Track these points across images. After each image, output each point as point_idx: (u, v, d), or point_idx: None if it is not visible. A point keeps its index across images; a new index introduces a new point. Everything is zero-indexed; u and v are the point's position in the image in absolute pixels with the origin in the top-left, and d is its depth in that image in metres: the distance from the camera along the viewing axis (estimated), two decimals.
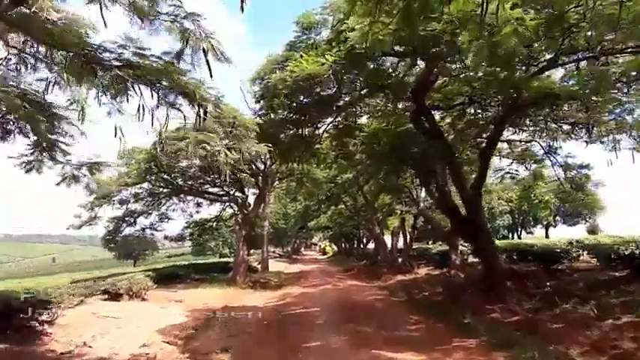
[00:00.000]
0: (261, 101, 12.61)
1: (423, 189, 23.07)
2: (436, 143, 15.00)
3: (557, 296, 12.77)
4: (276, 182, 34.34)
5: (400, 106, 16.02)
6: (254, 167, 28.49)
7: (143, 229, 32.57)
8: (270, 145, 17.05)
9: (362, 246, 58.13)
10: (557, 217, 70.84)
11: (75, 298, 14.47)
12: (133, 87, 8.53)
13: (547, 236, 62.74)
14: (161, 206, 32.28)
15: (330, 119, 17.05)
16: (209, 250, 68.17)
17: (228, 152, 22.96)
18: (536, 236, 64.58)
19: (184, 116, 9.78)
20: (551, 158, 19.71)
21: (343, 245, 71.56)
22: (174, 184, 29.16)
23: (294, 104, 13.84)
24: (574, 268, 16.28)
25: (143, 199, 30.44)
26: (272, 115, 14.39)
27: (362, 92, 15.39)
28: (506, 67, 13.44)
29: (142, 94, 9.44)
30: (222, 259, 41.16)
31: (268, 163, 28.90)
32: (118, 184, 26.03)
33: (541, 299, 13.43)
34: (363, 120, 18.55)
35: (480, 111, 16.14)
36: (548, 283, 14.74)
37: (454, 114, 16.33)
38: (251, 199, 30.71)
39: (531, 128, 19.25)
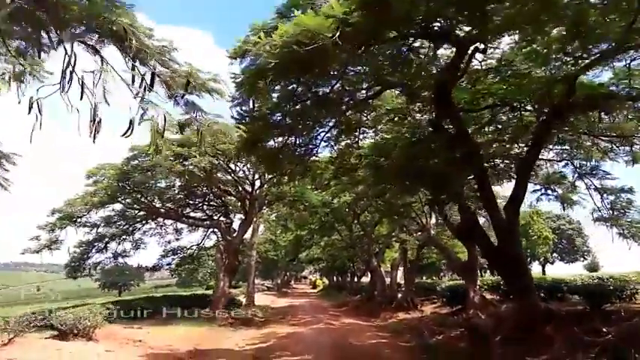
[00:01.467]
0: (242, 87, 9.69)
1: (433, 213, 20.11)
2: (462, 152, 12.12)
3: (629, 346, 9.69)
4: (265, 208, 31.29)
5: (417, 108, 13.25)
6: (241, 189, 25.42)
7: (115, 256, 29.00)
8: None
9: (356, 280, 54.58)
10: (554, 254, 68.36)
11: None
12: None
13: (544, 273, 59.91)
14: (136, 231, 28.99)
15: (331, 123, 14.21)
16: (195, 282, 64.47)
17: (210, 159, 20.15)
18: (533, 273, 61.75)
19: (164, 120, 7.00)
20: (587, 181, 16.93)
21: (335, 279, 67.78)
22: (150, 207, 25.98)
23: (287, 92, 10.96)
24: (631, 310, 13.17)
25: (115, 222, 27.19)
26: (255, 107, 11.44)
27: (371, 88, 12.64)
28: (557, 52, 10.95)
29: (72, 53, 6.58)
30: (202, 292, 37.51)
31: (257, 184, 25.93)
32: (84, 203, 22.78)
33: (604, 351, 10.32)
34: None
35: (512, 117, 13.40)
36: (605, 329, 11.62)
37: (483, 120, 13.55)
38: (237, 225, 27.57)
39: (560, 146, 16.60)
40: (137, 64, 6.23)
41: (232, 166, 24.93)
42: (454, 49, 11.33)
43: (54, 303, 26.60)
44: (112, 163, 23.06)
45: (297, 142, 14.37)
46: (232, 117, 11.48)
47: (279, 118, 12.92)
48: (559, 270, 67.94)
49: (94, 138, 6.80)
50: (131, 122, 6.80)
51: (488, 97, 12.76)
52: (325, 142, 15.07)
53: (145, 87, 6.25)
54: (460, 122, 11.63)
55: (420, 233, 27.79)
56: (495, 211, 12.47)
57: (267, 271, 71.68)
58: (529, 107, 12.98)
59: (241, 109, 11.32)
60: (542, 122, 12.03)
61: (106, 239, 27.84)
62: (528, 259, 68.99)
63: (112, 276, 68.66)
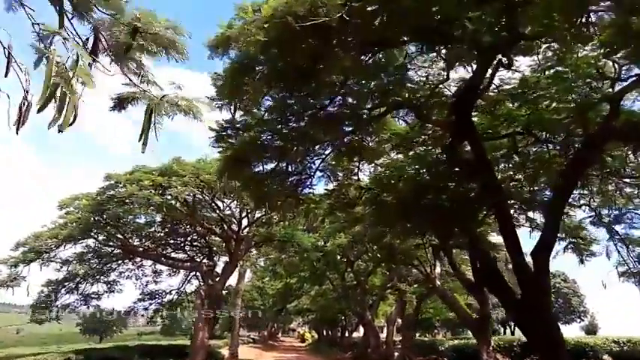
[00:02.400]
0: (223, 88, 7.99)
1: (437, 261, 18.07)
2: (482, 184, 10.34)
3: None
4: (253, 250, 29.09)
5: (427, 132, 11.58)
6: (226, 228, 23.33)
7: (85, 298, 26.39)
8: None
9: (347, 334, 51.46)
10: None
11: None
12: None
13: None
14: (110, 271, 26.58)
15: (328, 150, 12.49)
16: (178, 330, 60.92)
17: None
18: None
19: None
20: (613, 229, 15.17)
21: (325, 332, 64.23)
22: (127, 244, 23.77)
23: (278, 103, 9.28)
24: None
25: (88, 260, 24.85)
26: (238, 116, 9.73)
27: (375, 108, 11.03)
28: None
29: None
30: (183, 342, 34.50)
31: (244, 223, 23.86)
32: (53, 236, 20.59)
33: None
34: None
35: (536, 149, 11.75)
36: None
37: (500, 152, 11.87)
38: (221, 269, 25.22)
39: (579, 190, 14.90)
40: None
41: (218, 203, 23.07)
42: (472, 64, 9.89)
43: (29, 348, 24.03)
44: (88, 193, 21.02)
45: (289, 170, 12.62)
46: (211, 128, 9.73)
47: (268, 137, 11.26)
48: None
49: (18, 128, 4.94)
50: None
51: (508, 124, 11.18)
52: (321, 171, 13.31)
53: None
54: (481, 148, 9.90)
55: (416, 285, 25.70)
56: (520, 256, 10.54)
57: (253, 321, 68.09)
58: (554, 137, 11.37)
59: (224, 122, 9.58)
60: (579, 152, 10.30)
61: (78, 279, 25.40)
62: None
63: (92, 321, 64.93)
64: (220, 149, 10.44)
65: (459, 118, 9.83)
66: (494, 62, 9.42)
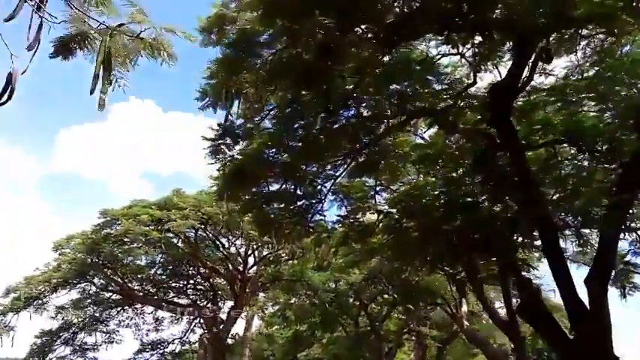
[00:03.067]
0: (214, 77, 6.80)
1: (464, 299, 16.24)
2: (521, 198, 8.89)
3: None
4: (260, 293, 27.32)
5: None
6: (231, 268, 21.72)
7: (83, 350, 24.49)
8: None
9: None
10: None
11: None
12: None
13: None
14: (109, 319, 24.86)
15: (341, 169, 11.17)
16: None
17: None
18: None
19: None
20: None
21: None
22: (126, 288, 22.19)
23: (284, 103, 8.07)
24: None
25: (84, 307, 23.22)
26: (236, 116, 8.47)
27: (393, 117, 9.82)
28: None
29: None
30: None
31: (250, 262, 22.27)
32: (42, 280, 19.10)
33: None
34: None
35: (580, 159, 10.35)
36: None
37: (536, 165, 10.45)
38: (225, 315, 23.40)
39: None
40: None
41: (222, 240, 21.62)
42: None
43: None
44: (83, 231, 19.64)
45: (297, 192, 11.28)
46: (205, 138, 8.48)
47: (272, 152, 10.03)
48: None
49: None
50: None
51: (545, 132, 9.85)
52: (333, 193, 11.92)
53: None
54: (523, 157, 8.52)
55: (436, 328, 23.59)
56: (571, 285, 8.92)
57: None
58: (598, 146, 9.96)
59: (220, 128, 8.32)
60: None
61: (74, 328, 23.68)
62: None
63: None
64: (218, 165, 9.14)
65: (497, 122, 8.51)
66: (533, 56, 8.25)
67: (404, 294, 17.89)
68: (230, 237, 20.82)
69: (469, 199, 10.13)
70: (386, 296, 29.33)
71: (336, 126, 9.77)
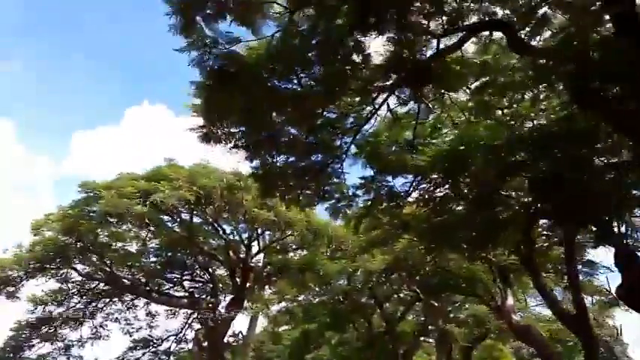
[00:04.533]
0: None
1: (509, 289, 13.38)
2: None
3: None
4: (266, 288, 24.65)
5: None
6: (232, 255, 18.96)
7: (66, 348, 21.85)
8: None
9: None
10: None
11: None
12: None
13: None
14: (97, 313, 22.22)
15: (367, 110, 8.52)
16: None
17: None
18: None
19: None
20: None
21: None
22: (113, 277, 19.56)
23: None
24: None
25: (68, 298, 20.64)
26: None
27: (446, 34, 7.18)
28: None
29: None
30: None
31: (254, 250, 19.52)
32: (12, 263, 16.52)
33: None
34: None
35: None
36: None
37: None
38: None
39: None
40: None
41: (225, 226, 18.96)
42: None
43: None
44: (61, 206, 16.95)
45: (309, 140, 8.64)
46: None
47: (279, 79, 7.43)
48: None
49: None
50: None
51: None
52: (357, 147, 9.23)
53: None
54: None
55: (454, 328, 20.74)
56: None
57: None
58: None
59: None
60: None
61: (57, 322, 21.05)
62: None
63: None
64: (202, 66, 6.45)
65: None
66: None
67: (437, 284, 15.04)
68: (230, 218, 18.06)
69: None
70: (402, 295, 26.69)
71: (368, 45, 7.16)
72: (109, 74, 76.35)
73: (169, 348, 23.83)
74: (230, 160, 16.99)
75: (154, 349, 23.66)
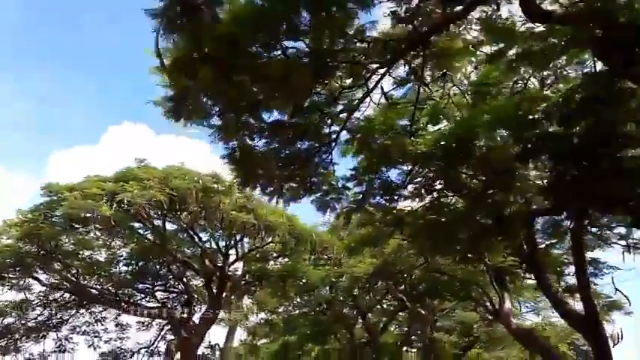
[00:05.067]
0: None
1: (506, 293, 12.48)
2: None
3: None
4: (245, 299, 23.45)
5: None
6: (207, 263, 17.70)
7: None
8: None
9: None
10: None
11: None
12: None
13: None
14: (62, 325, 20.67)
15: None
16: None
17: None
18: None
19: None
20: None
21: None
22: (79, 286, 18.14)
23: None
24: None
25: (30, 308, 19.09)
26: None
27: None
28: None
29: None
30: None
31: (232, 257, 18.30)
32: None
33: None
34: None
35: None
36: None
37: None
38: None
39: None
40: None
41: (201, 234, 17.74)
42: None
43: None
44: (20, 212, 15.47)
45: (296, 123, 7.69)
46: None
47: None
48: None
49: None
50: None
51: None
52: (350, 132, 8.31)
53: None
54: None
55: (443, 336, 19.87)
56: None
57: None
58: None
59: None
60: None
61: (17, 335, 19.45)
62: None
63: None
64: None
65: None
66: None
67: (428, 288, 14.13)
68: (207, 225, 16.80)
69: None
70: (385, 305, 25.85)
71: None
72: (88, 91, 74.49)
73: None
74: (209, 165, 15.80)
75: None
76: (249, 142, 7.47)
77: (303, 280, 17.50)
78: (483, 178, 8.34)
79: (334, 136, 8.22)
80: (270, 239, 17.17)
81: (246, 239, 18.63)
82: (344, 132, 8.23)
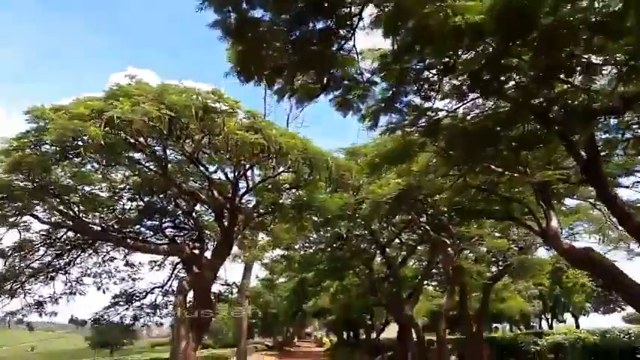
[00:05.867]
0: None
1: (552, 211, 10.92)
2: None
3: None
4: (260, 234, 22.37)
5: None
6: (216, 195, 16.26)
7: (38, 305, 19.52)
8: None
9: (374, 335, 44.44)
10: (588, 304, 58.50)
11: None
12: None
13: (577, 326, 50.96)
14: (70, 266, 19.82)
15: None
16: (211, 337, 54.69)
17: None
18: (567, 326, 54.35)
19: None
20: None
21: (346, 335, 56.97)
22: (84, 226, 16.96)
23: None
24: None
25: (34, 249, 18.12)
26: None
27: None
28: None
29: None
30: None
31: (242, 188, 16.81)
32: None
33: None
34: None
35: None
36: None
37: None
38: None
39: None
40: None
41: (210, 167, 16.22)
42: None
43: None
44: (4, 139, 13.91)
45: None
46: None
47: None
48: (594, 322, 60.88)
49: None
50: None
51: None
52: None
53: None
54: None
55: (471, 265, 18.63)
56: None
57: (267, 327, 61.57)
58: None
59: None
60: None
61: (23, 277, 18.61)
62: (563, 310, 60.53)
63: (103, 334, 58.70)
64: None
65: None
66: None
67: (464, 208, 12.59)
68: (212, 153, 15.16)
69: None
70: (404, 239, 24.82)
71: None
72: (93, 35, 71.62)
73: (155, 301, 21.72)
74: None
75: (138, 303, 21.56)
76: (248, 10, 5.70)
77: (319, 212, 16.01)
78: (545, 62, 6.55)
79: (356, 10, 6.41)
80: (281, 168, 15.63)
81: (256, 170, 17.22)
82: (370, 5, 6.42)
